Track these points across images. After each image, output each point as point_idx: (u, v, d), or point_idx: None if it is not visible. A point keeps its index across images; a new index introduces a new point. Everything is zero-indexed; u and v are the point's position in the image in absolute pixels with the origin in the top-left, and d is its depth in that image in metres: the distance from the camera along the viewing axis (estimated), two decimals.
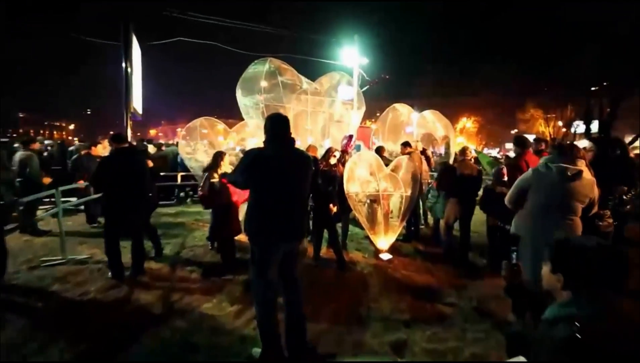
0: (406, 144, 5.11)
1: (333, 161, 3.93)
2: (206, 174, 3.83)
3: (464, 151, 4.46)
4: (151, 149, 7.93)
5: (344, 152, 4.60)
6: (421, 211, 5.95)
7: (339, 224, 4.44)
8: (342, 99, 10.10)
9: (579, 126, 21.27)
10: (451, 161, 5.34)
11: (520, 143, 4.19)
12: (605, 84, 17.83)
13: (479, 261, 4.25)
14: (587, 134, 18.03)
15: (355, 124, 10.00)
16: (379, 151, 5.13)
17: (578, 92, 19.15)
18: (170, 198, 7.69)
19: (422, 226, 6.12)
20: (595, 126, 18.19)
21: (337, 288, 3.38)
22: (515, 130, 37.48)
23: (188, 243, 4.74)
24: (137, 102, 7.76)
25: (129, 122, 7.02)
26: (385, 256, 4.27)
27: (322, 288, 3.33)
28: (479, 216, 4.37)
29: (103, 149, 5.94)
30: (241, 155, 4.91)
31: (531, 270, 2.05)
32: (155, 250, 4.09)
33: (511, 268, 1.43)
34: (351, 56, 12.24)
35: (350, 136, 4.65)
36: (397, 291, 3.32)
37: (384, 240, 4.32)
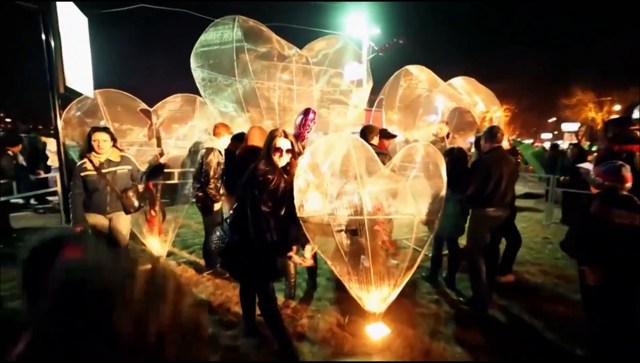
0: (384, 135, 3.12)
1: (281, 160, 1.90)
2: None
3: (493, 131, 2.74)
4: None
5: (296, 138, 2.58)
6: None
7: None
8: (349, 79, 8.03)
9: None
10: None
11: None
12: None
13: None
14: None
15: (361, 105, 7.90)
16: (365, 133, 2.96)
17: None
18: None
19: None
20: None
21: None
22: (554, 118, 33.17)
23: None
24: (77, 81, 6.16)
25: (57, 105, 5.42)
26: (378, 329, 2.32)
27: None
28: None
29: None
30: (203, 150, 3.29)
31: None
32: None
33: None
34: (359, 24, 10.02)
35: (307, 112, 2.64)
36: None
37: (376, 298, 2.36)
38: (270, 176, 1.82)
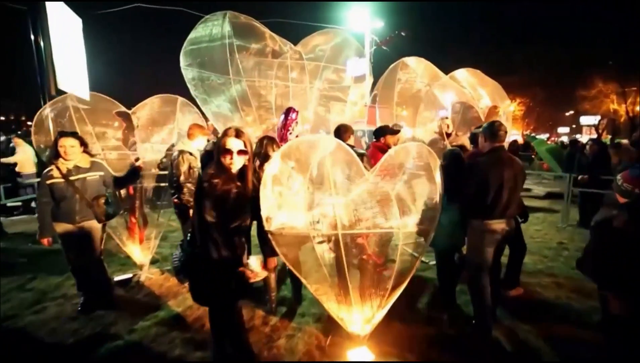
0: (382, 133, 2.79)
1: (233, 164, 1.63)
2: None
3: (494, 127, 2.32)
4: None
5: (272, 141, 2.32)
6: None
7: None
8: (351, 75, 7.70)
9: None
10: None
11: None
12: None
13: None
14: None
15: (360, 101, 7.56)
16: (339, 133, 2.59)
17: None
18: None
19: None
20: None
21: None
22: (571, 111, 31.61)
23: None
24: (71, 82, 6.08)
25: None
26: (361, 354, 2.06)
27: None
28: None
29: None
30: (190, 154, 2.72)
31: None
32: None
33: None
34: (361, 17, 9.64)
35: (289, 111, 2.40)
36: None
37: (359, 319, 2.10)
38: (216, 181, 1.58)
